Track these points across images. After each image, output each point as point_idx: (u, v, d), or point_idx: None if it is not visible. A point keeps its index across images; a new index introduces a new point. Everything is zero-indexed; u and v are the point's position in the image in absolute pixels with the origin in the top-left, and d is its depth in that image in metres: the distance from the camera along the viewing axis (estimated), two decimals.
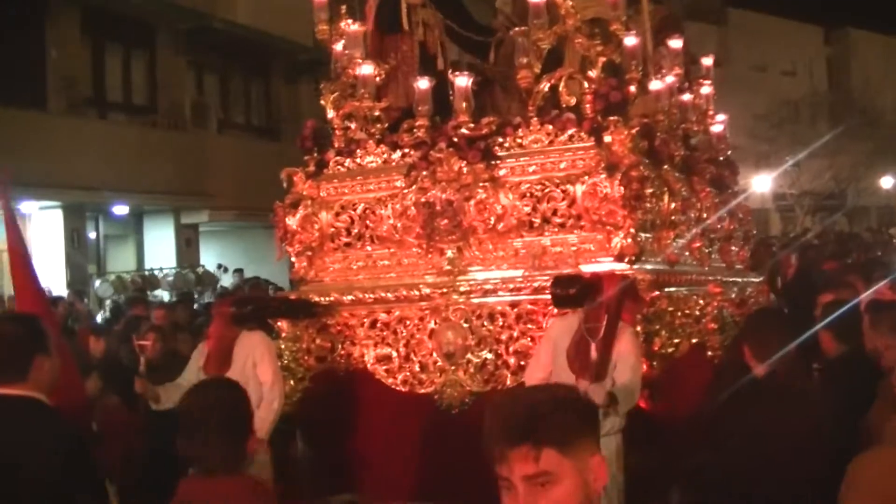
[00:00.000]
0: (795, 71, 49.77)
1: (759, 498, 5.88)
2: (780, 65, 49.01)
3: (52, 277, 22.31)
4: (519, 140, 8.53)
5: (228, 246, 28.53)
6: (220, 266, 26.04)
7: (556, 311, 7.84)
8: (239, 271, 24.19)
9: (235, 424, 3.80)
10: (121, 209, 24.95)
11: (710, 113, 10.16)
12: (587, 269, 7.84)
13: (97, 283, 23.88)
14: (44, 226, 23.70)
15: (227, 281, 24.52)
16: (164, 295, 23.13)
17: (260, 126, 29.23)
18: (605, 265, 7.91)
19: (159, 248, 26.56)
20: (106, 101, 25.08)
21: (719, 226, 9.71)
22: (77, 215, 23.84)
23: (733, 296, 9.71)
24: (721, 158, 10.17)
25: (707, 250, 9.53)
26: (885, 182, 46.89)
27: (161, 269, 25.08)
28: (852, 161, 41.69)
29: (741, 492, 5.91)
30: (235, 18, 25.39)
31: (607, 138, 8.17)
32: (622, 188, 7.95)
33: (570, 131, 8.38)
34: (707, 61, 10.44)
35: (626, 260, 7.94)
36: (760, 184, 37.37)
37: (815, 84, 47.10)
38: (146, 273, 24.92)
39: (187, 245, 26.95)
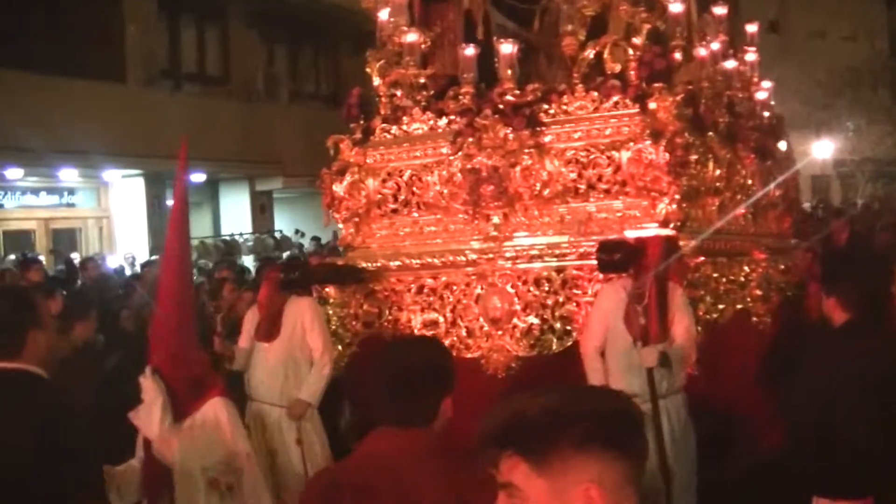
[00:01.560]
0: (856, 36, 49.10)
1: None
2: (840, 30, 48.44)
3: (135, 243, 23.49)
4: (564, 107, 8.68)
5: (300, 212, 28.85)
6: (297, 231, 26.45)
7: (601, 276, 8.00)
8: (316, 239, 24.57)
9: (432, 381, 3.85)
10: (198, 177, 25.24)
11: (755, 80, 10.31)
12: (632, 234, 7.97)
13: None
14: (126, 193, 24.67)
15: (305, 245, 24.94)
16: (245, 259, 23.71)
17: (328, 95, 29.45)
18: (650, 231, 8.09)
19: (234, 214, 27.37)
20: (181, 73, 25.66)
21: (764, 193, 9.87)
22: (157, 183, 24.42)
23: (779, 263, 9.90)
24: (766, 125, 10.32)
25: (751, 217, 9.70)
26: None
27: (241, 235, 25.73)
28: None
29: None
30: None
31: (652, 105, 8.31)
32: (667, 155, 8.08)
33: (615, 98, 8.53)
34: (752, 28, 10.57)
35: (671, 226, 8.07)
36: (821, 150, 37.09)
37: (876, 50, 46.42)
38: (228, 238, 25.56)
39: (261, 211, 27.63)
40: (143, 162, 22.76)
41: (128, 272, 19.89)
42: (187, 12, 25.62)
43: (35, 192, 24.10)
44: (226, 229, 27.01)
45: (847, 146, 39.18)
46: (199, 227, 26.79)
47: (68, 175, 23.15)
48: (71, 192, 24.88)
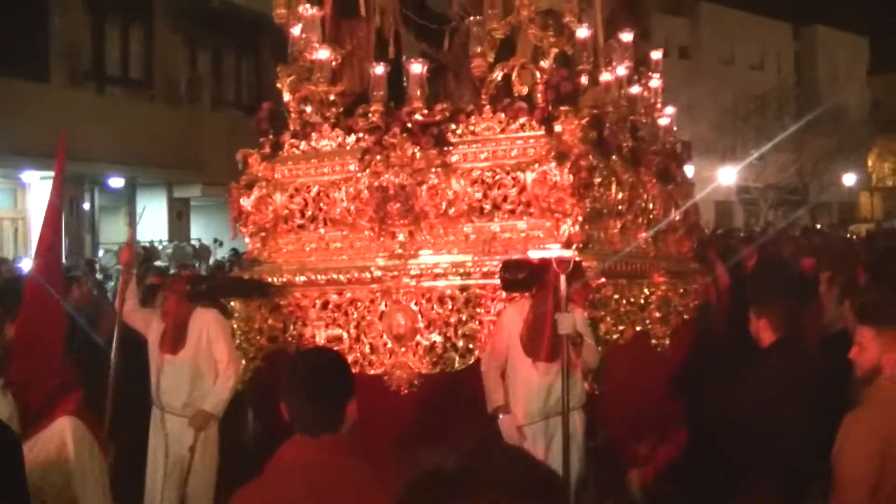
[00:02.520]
0: (763, 65, 50.40)
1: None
2: (748, 58, 49.62)
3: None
4: (471, 127, 8.79)
5: (218, 220, 28.40)
6: (215, 240, 26.24)
7: (504, 295, 8.11)
8: (234, 250, 24.44)
9: (339, 386, 3.97)
10: (116, 181, 25.36)
11: (658, 105, 10.48)
12: (535, 254, 8.04)
13: (101, 252, 24.22)
14: (44, 195, 23.76)
15: (221, 255, 24.73)
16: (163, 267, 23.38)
17: (250, 104, 29.28)
18: (553, 251, 8.16)
19: (151, 220, 26.66)
20: (105, 74, 25.49)
21: (663, 216, 10.01)
22: (76, 185, 24.12)
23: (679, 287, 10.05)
24: (668, 149, 10.48)
25: (652, 240, 9.84)
26: (847, 179, 47.69)
27: (160, 242, 25.53)
28: (816, 156, 42.34)
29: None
30: None
31: (558, 128, 8.43)
32: (571, 177, 8.20)
33: (522, 120, 8.66)
34: (656, 55, 10.74)
35: (574, 247, 8.15)
36: (725, 176, 37.66)
37: (783, 78, 47.59)
38: (147, 245, 25.01)
39: (178, 218, 27.53)
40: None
41: None
42: (113, 11, 25.34)
43: None
44: (141, 235, 26.22)
45: (751, 173, 39.98)
46: (115, 231, 26.57)
47: None
48: None
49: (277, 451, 3.85)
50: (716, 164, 35.12)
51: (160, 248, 25.26)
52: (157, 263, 23.20)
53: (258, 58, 29.48)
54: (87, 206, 26.07)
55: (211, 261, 24.38)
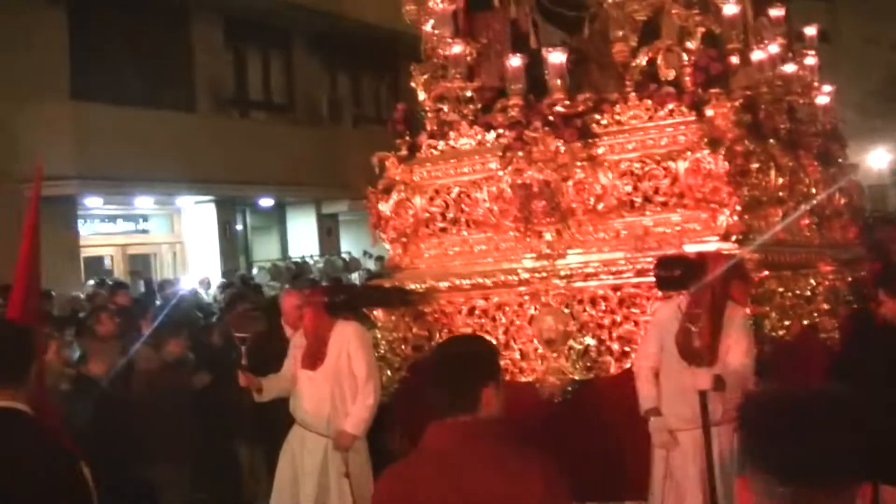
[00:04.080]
0: None
1: None
2: (892, 38, 46.43)
3: (207, 267, 22.94)
4: (617, 116, 7.85)
5: (366, 234, 28.19)
6: (365, 253, 25.83)
7: (660, 293, 7.21)
8: (381, 259, 24.02)
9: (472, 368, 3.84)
10: (266, 202, 25.31)
11: (816, 84, 9.42)
12: (692, 249, 7.19)
13: (255, 270, 24.24)
14: (197, 219, 24.33)
15: (372, 267, 24.35)
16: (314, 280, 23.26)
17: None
18: (711, 245, 7.25)
19: (301, 237, 26.97)
20: (248, 100, 25.35)
21: (828, 201, 8.99)
22: (228, 208, 24.24)
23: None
24: (829, 130, 9.43)
25: (816, 227, 8.82)
26: None
27: (311, 257, 25.32)
28: None
29: None
30: (364, 18, 24.96)
31: (709, 112, 7.48)
32: (726, 164, 7.26)
33: (670, 106, 7.68)
34: (810, 31, 9.66)
35: (733, 239, 7.25)
36: (876, 159, 35.68)
37: None
38: (298, 260, 25.07)
39: (328, 234, 27.25)
40: (214, 188, 22.46)
41: (203, 295, 19.38)
42: (252, 41, 25.23)
43: (112, 219, 23.76)
44: (293, 252, 26.48)
45: None
46: (268, 250, 26.67)
47: (143, 202, 22.81)
48: (145, 218, 24.46)
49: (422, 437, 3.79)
50: (865, 148, 33.16)
51: (311, 262, 24.91)
52: (310, 277, 23.02)
53: (395, 72, 28.89)
54: (239, 227, 25.99)
55: (359, 272, 23.97)
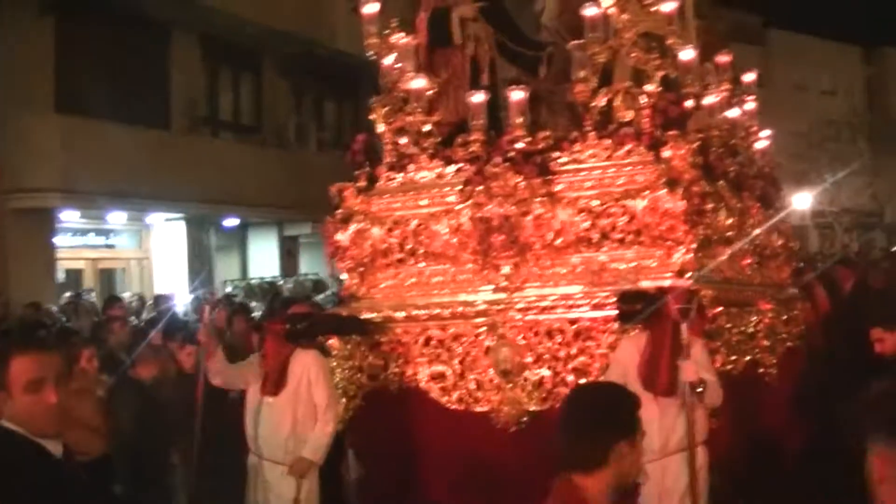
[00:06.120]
0: (835, 91, 46.41)
1: None
2: (820, 85, 46.02)
3: (173, 284, 21.37)
4: (576, 155, 7.08)
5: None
6: (331, 275, 24.67)
7: (616, 327, 6.50)
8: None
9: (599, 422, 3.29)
10: (231, 221, 23.62)
11: (754, 129, 8.93)
12: (647, 284, 6.52)
13: (229, 288, 22.61)
14: (168, 236, 22.80)
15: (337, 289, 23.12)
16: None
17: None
18: (667, 281, 6.62)
19: (262, 258, 25.31)
20: (219, 119, 23.75)
21: (767, 242, 8.48)
22: (198, 226, 22.76)
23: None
24: (767, 173, 8.92)
25: (757, 267, 8.29)
26: None
27: (273, 278, 23.67)
28: (891, 179, 39.42)
29: None
30: (335, 45, 23.81)
31: (667, 153, 6.74)
32: (684, 203, 6.56)
33: (628, 146, 6.89)
34: (749, 77, 9.11)
35: (688, 276, 6.47)
36: (800, 201, 35.39)
37: (855, 104, 43.91)
38: (271, 280, 23.39)
39: (289, 255, 25.69)
40: (186, 206, 21.14)
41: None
42: (225, 62, 23.65)
43: (84, 232, 22.18)
44: (253, 272, 24.76)
45: (825, 197, 37.12)
46: (228, 269, 24.80)
47: (116, 217, 21.20)
48: (115, 233, 22.82)
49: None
50: (790, 190, 32.87)
51: (280, 283, 23.11)
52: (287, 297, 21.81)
53: (357, 100, 27.77)
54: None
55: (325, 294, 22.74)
